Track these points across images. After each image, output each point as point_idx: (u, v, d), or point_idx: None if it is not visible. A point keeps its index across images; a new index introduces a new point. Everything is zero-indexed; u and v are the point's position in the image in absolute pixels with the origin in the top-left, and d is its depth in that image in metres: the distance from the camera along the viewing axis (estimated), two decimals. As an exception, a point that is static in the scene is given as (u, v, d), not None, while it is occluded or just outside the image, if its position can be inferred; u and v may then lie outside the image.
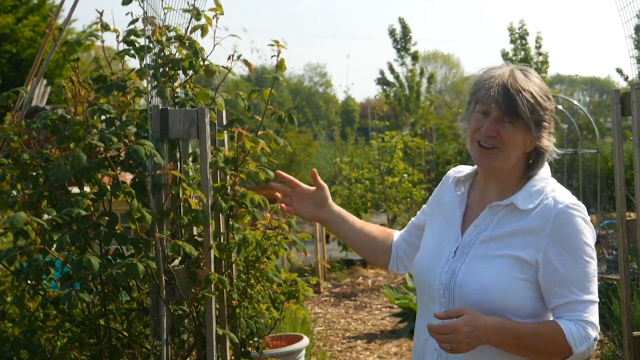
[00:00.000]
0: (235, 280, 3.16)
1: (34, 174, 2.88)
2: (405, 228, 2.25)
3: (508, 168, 1.87)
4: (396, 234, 2.27)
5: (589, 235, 1.83)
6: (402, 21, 20.41)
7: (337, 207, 2.20)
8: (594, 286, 1.82)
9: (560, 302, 1.81)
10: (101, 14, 2.95)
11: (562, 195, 1.86)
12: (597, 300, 1.83)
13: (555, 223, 1.80)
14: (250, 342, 3.22)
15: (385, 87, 20.69)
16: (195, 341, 3.01)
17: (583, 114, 16.98)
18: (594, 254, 1.84)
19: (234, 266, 3.14)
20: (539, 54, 20.23)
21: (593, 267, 1.83)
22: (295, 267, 7.73)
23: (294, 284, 3.36)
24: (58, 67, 17.18)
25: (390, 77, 20.57)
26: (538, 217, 1.82)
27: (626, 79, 19.33)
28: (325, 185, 2.19)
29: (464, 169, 2.05)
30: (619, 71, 20.46)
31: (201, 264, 2.87)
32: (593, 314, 1.81)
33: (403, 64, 20.39)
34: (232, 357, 3.15)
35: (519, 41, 20.28)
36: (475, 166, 2.00)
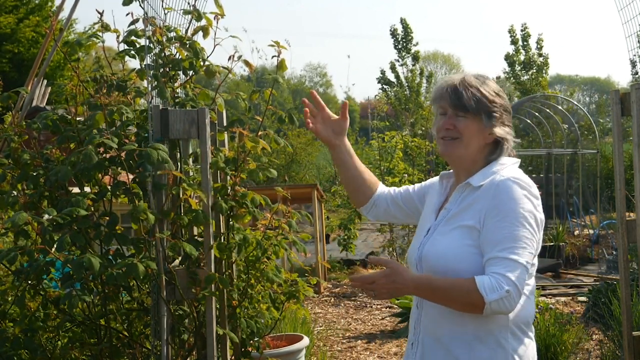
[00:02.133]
0: (235, 280, 3.16)
1: (35, 174, 2.89)
2: (400, 189, 2.49)
3: (470, 156, 2.12)
4: (383, 186, 2.51)
5: (528, 205, 1.99)
6: (403, 21, 20.43)
7: (348, 142, 2.44)
8: (521, 249, 1.94)
9: (485, 259, 1.97)
10: (101, 14, 2.95)
11: (510, 172, 2.06)
12: (523, 262, 1.93)
13: (495, 191, 2.01)
14: (251, 342, 3.22)
15: (385, 86, 20.69)
16: (195, 341, 3.01)
17: (583, 114, 16.98)
18: (528, 222, 1.97)
19: (234, 266, 3.15)
20: (540, 55, 20.26)
21: (523, 232, 1.96)
22: (295, 267, 7.73)
23: (294, 284, 3.36)
24: (59, 68, 17.19)
25: (391, 77, 20.58)
26: (485, 190, 2.05)
27: (635, 73, 19.28)
28: (348, 117, 2.43)
29: (444, 173, 2.32)
30: (633, 63, 20.39)
31: (201, 264, 2.87)
32: (511, 271, 1.91)
33: (404, 64, 20.40)
34: (233, 357, 3.15)
35: (520, 43, 20.32)
36: None
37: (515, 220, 1.96)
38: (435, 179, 2.36)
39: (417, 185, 2.46)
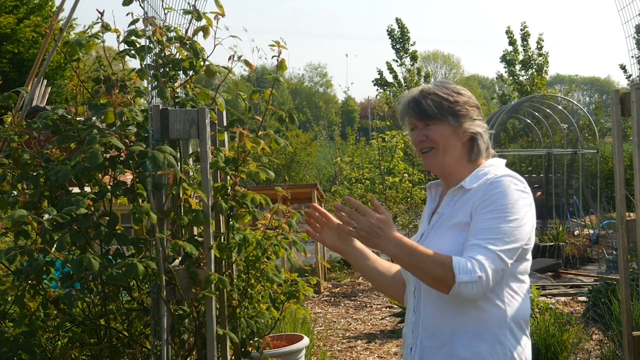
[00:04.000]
0: (235, 280, 3.16)
1: (35, 174, 2.89)
2: None
3: (453, 161, 2.13)
4: None
5: (519, 200, 2.00)
6: (399, 22, 20.41)
7: (360, 244, 2.30)
8: (501, 242, 1.94)
9: (466, 244, 1.97)
10: (102, 14, 2.95)
11: (501, 170, 2.09)
12: (502, 255, 1.93)
13: (487, 188, 2.03)
14: (251, 342, 3.22)
15: (384, 87, 20.68)
16: (195, 341, 3.01)
17: (583, 114, 16.98)
18: (514, 217, 1.97)
19: (234, 266, 3.15)
20: (540, 54, 20.26)
21: (508, 226, 1.96)
22: (295, 267, 7.74)
23: (294, 284, 3.37)
24: (59, 68, 17.19)
25: (389, 78, 20.57)
26: (478, 189, 2.06)
27: (629, 77, 19.32)
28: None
29: (432, 182, 2.33)
30: (622, 67, 20.44)
31: (201, 264, 2.87)
32: (487, 259, 1.91)
33: (402, 64, 20.38)
34: (233, 357, 3.15)
35: (519, 42, 20.32)
36: None
37: (503, 213, 1.97)
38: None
39: None
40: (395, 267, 2.37)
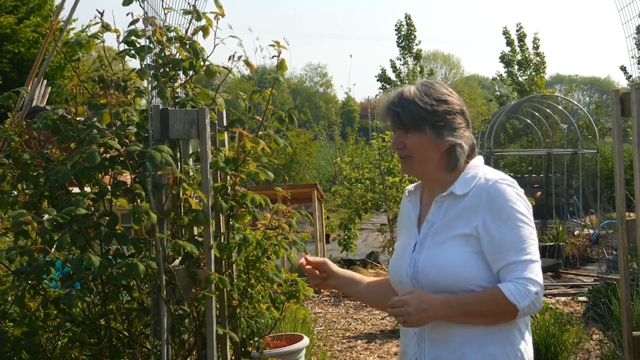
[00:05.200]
0: (235, 280, 3.16)
1: (35, 174, 2.89)
2: None
3: (431, 169, 2.10)
4: None
5: (520, 203, 2.01)
6: (408, 18, 20.37)
7: (343, 272, 2.34)
8: (531, 247, 1.98)
9: (500, 266, 1.97)
10: (102, 14, 2.95)
11: (492, 174, 2.07)
12: (536, 259, 1.97)
13: (488, 196, 2.00)
14: (251, 341, 3.22)
15: (386, 85, 20.65)
16: (195, 341, 3.01)
17: (583, 114, 16.97)
18: (528, 220, 2.00)
19: (234, 266, 3.15)
20: (537, 54, 20.26)
21: (528, 230, 1.99)
22: (295, 267, 7.73)
23: (294, 284, 3.37)
24: (60, 68, 17.18)
25: (392, 76, 20.56)
26: (474, 196, 2.03)
27: (629, 77, 19.33)
28: (322, 260, 2.34)
29: (409, 188, 2.28)
30: (623, 69, 20.46)
31: (202, 264, 2.87)
32: (532, 271, 1.95)
33: (405, 63, 20.37)
34: (233, 357, 3.15)
35: (516, 43, 20.34)
36: None
37: (517, 220, 1.97)
38: (403, 199, 2.32)
39: None
40: (383, 282, 2.34)
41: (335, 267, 2.34)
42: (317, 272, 2.29)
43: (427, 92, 2.07)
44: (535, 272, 1.95)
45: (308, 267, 2.30)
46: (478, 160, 2.13)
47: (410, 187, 2.26)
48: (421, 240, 2.10)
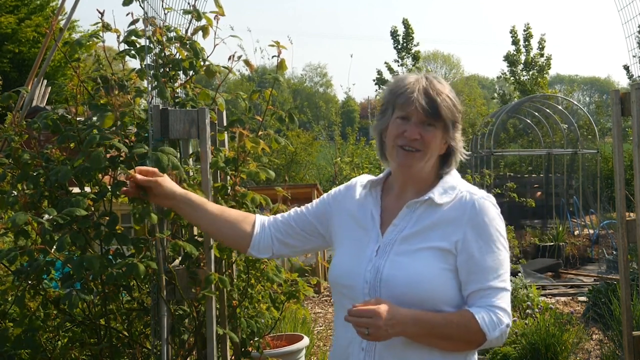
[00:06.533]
0: (235, 280, 3.16)
1: (35, 174, 2.89)
2: (288, 212, 2.23)
3: (427, 169, 1.97)
4: (263, 218, 2.22)
5: (503, 225, 1.92)
6: (405, 22, 20.38)
7: (183, 192, 2.17)
8: (506, 275, 1.89)
9: (475, 289, 1.86)
10: (102, 14, 2.95)
11: (475, 189, 1.97)
12: (509, 289, 1.89)
13: (472, 212, 1.89)
14: (251, 341, 3.22)
15: (383, 87, 20.64)
16: (195, 341, 3.01)
17: (583, 114, 16.97)
18: (507, 245, 1.93)
19: (234, 266, 3.15)
20: (541, 55, 20.26)
21: (505, 256, 1.90)
22: (295, 267, 7.72)
23: (295, 284, 3.36)
24: (60, 68, 17.19)
25: (388, 77, 20.55)
26: (455, 209, 1.91)
27: (631, 77, 19.31)
28: (154, 171, 2.20)
29: (370, 177, 2.11)
30: (626, 68, 20.47)
31: (202, 264, 2.87)
32: (504, 301, 1.86)
33: (403, 64, 20.37)
34: (233, 357, 3.15)
35: (522, 43, 20.34)
36: (384, 173, 2.09)
37: (498, 244, 1.89)
38: (342, 187, 2.15)
39: (313, 204, 2.19)
40: (237, 215, 2.17)
41: (169, 184, 2.16)
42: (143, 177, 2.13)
43: (448, 87, 1.96)
44: (507, 302, 1.86)
45: (139, 176, 2.14)
46: (455, 172, 2.03)
47: (372, 178, 2.09)
48: (385, 246, 1.93)
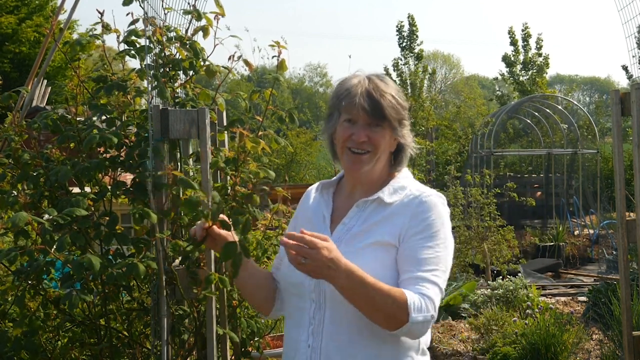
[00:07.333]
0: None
1: (35, 174, 2.89)
2: (275, 261, 2.22)
3: (378, 169, 1.98)
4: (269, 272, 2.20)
5: (448, 225, 1.92)
6: (410, 18, 20.34)
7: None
8: (442, 274, 1.88)
9: (408, 276, 1.84)
10: (102, 14, 2.95)
11: (425, 189, 1.98)
12: (442, 287, 1.87)
13: (419, 208, 1.90)
14: (251, 341, 3.22)
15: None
16: (195, 341, 3.01)
17: (583, 114, 16.97)
18: (451, 248, 1.91)
19: (234, 266, 3.14)
20: (539, 55, 20.27)
21: (445, 256, 1.89)
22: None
23: (294, 284, 3.36)
24: (60, 68, 17.20)
25: (394, 75, 20.53)
26: (403, 205, 1.93)
27: (630, 77, 19.33)
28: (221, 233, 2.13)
29: (323, 181, 2.14)
30: (624, 68, 20.49)
31: (202, 264, 2.87)
32: (436, 296, 1.84)
33: (406, 63, 20.34)
34: (233, 357, 3.15)
35: (520, 43, 20.35)
36: (338, 175, 2.12)
37: (439, 241, 1.88)
38: (301, 200, 2.16)
39: (278, 257, 2.18)
40: (263, 274, 2.13)
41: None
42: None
43: (391, 85, 1.96)
44: (437, 297, 1.84)
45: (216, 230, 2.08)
46: (407, 172, 2.04)
47: (325, 181, 2.12)
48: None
